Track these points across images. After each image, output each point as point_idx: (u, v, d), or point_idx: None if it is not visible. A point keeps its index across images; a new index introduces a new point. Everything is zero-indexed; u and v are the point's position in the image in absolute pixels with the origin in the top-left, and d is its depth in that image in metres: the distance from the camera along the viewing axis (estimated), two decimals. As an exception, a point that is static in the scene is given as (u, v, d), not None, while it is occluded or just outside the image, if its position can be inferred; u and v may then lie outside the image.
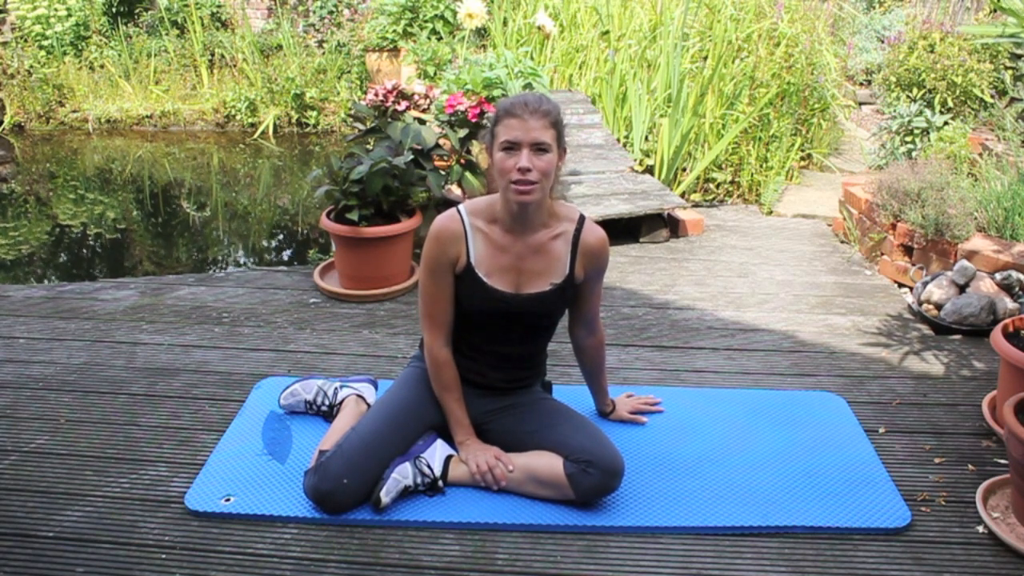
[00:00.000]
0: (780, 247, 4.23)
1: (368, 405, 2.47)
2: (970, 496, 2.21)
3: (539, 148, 2.02)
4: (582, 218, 2.22)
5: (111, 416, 2.58)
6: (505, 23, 6.02)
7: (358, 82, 7.36)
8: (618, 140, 4.98)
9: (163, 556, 1.98)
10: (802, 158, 5.46)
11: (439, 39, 6.29)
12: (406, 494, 2.15)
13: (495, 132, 2.06)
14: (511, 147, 2.02)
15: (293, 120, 7.38)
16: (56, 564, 1.96)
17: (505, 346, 2.26)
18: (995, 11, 6.06)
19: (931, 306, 3.31)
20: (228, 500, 2.15)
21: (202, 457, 2.36)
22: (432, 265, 2.16)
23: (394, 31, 6.54)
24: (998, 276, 3.24)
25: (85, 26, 7.84)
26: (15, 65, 7.37)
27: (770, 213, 4.75)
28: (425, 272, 2.18)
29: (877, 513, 2.14)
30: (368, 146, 3.81)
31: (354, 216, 3.36)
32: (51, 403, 2.65)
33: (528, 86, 4.30)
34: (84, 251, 5.05)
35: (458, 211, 2.18)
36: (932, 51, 5.18)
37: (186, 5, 7.92)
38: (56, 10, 7.64)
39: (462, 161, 3.85)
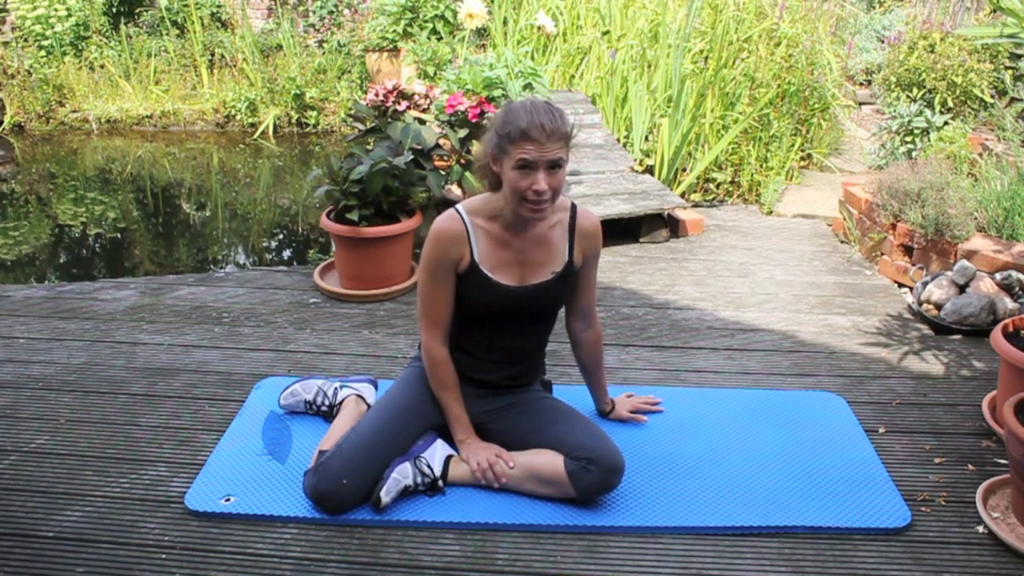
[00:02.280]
0: (780, 247, 4.23)
1: (368, 405, 2.47)
2: (970, 496, 2.21)
3: (555, 166, 2.02)
4: (574, 206, 2.25)
5: (111, 416, 2.58)
6: (505, 23, 6.02)
7: (358, 82, 7.36)
8: (618, 140, 4.98)
9: (163, 556, 1.98)
10: (802, 158, 5.46)
11: (439, 39, 6.29)
12: (406, 494, 2.15)
13: (508, 150, 2.01)
14: (527, 165, 2.00)
15: (293, 120, 7.38)
16: (56, 564, 1.96)
17: (507, 340, 2.26)
18: (995, 11, 6.06)
19: (931, 306, 3.31)
20: (228, 500, 2.15)
21: (202, 457, 2.36)
22: (433, 266, 2.16)
23: (394, 31, 6.54)
24: (998, 276, 3.24)
25: (85, 26, 7.84)
26: (15, 65, 7.38)
27: (770, 213, 4.75)
28: (425, 273, 2.18)
29: (877, 513, 2.14)
30: (368, 146, 3.81)
31: (354, 216, 3.36)
32: (51, 403, 2.65)
33: (528, 86, 4.30)
34: (84, 251, 5.05)
35: (457, 211, 2.18)
36: (932, 51, 5.18)
37: (186, 5, 7.92)
38: (56, 10, 7.64)
39: (462, 161, 3.85)
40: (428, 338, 2.22)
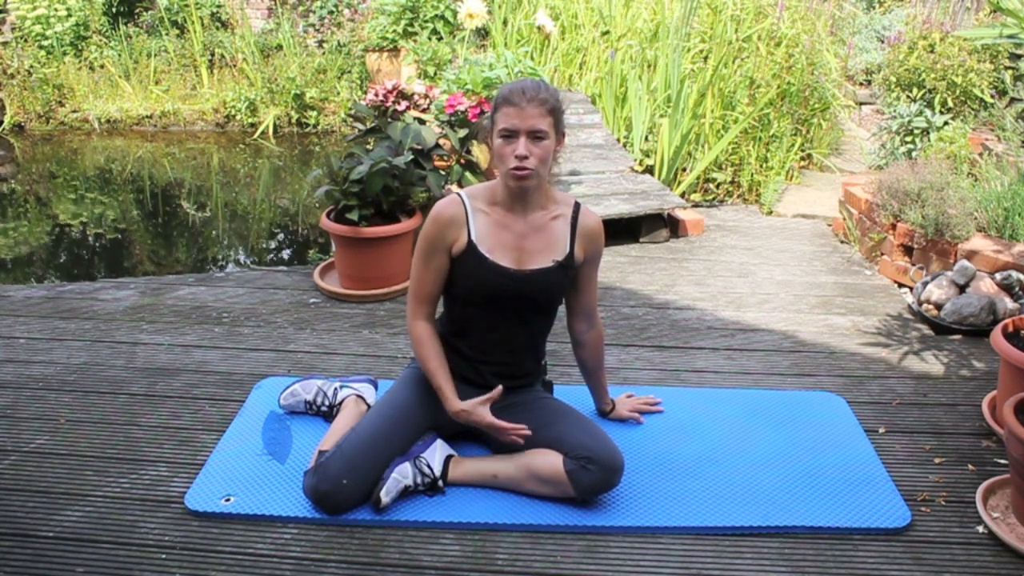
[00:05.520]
0: (780, 247, 4.23)
1: (368, 405, 2.47)
2: (970, 496, 2.21)
3: (536, 135, 2.05)
4: (578, 203, 2.26)
5: (111, 416, 2.58)
6: (505, 23, 6.02)
7: (358, 82, 7.36)
8: (618, 140, 4.98)
9: (163, 556, 1.98)
10: (802, 158, 5.46)
11: (439, 39, 6.29)
12: (406, 494, 2.16)
13: (494, 119, 2.10)
14: (509, 134, 2.06)
15: (293, 120, 7.38)
16: (56, 564, 1.96)
17: (503, 333, 2.25)
18: (995, 11, 6.06)
19: (931, 306, 3.31)
20: (228, 500, 2.15)
21: (202, 457, 2.36)
22: (427, 246, 2.19)
23: (394, 31, 6.54)
24: (998, 276, 3.24)
25: (85, 26, 7.84)
26: (15, 65, 7.37)
27: (770, 213, 4.75)
28: (419, 251, 2.21)
29: (877, 513, 2.14)
30: (368, 146, 3.81)
31: (354, 216, 3.36)
32: (51, 403, 2.65)
33: (528, 86, 4.30)
34: (84, 251, 5.05)
35: (459, 195, 2.21)
36: (932, 51, 5.18)
37: (186, 5, 7.92)
38: (56, 10, 7.64)
39: (462, 161, 3.85)
40: (412, 314, 2.24)
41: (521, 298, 2.21)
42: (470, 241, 2.16)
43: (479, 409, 2.15)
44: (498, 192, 2.18)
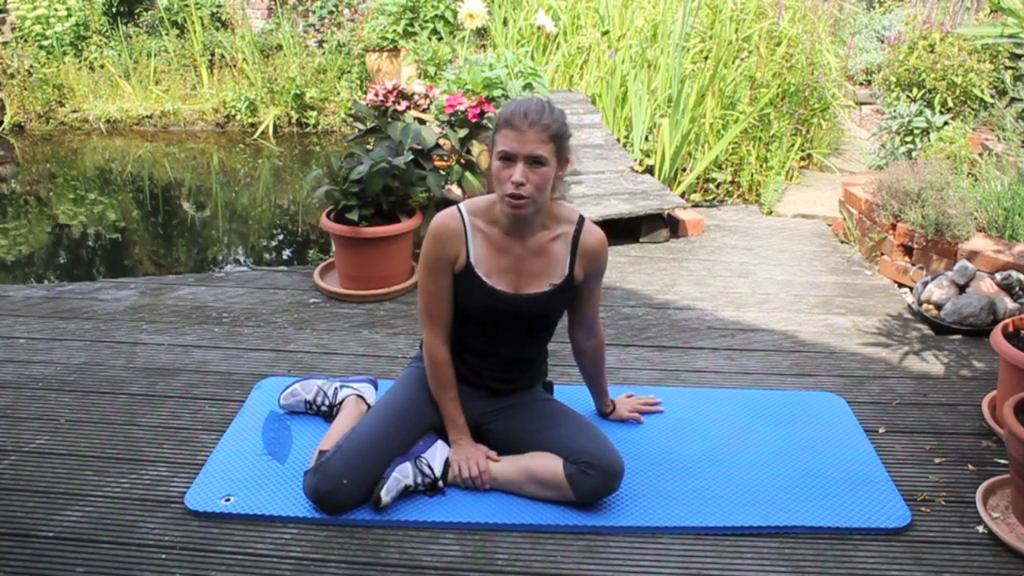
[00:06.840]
0: (780, 247, 4.23)
1: (368, 405, 2.47)
2: (970, 496, 2.21)
3: (535, 161, 2.01)
4: (581, 219, 2.22)
5: (111, 416, 2.58)
6: (505, 23, 6.02)
7: (358, 82, 7.36)
8: (618, 140, 4.98)
9: (163, 556, 1.98)
10: (802, 158, 5.46)
11: (439, 39, 6.29)
12: (406, 494, 2.15)
13: (495, 139, 2.06)
14: (507, 157, 2.02)
15: (293, 120, 7.38)
16: (56, 564, 1.96)
17: (504, 348, 2.25)
18: (995, 11, 6.06)
19: (931, 306, 3.31)
20: (228, 500, 2.15)
21: (202, 457, 2.36)
22: (431, 263, 2.16)
23: (394, 31, 6.54)
24: (998, 276, 3.24)
25: (85, 26, 7.84)
26: (15, 65, 7.37)
27: (770, 213, 4.75)
28: (424, 270, 2.18)
29: (877, 513, 2.14)
30: (368, 146, 3.81)
31: (354, 216, 3.36)
32: (51, 403, 2.65)
33: (528, 86, 4.30)
34: (84, 251, 5.05)
35: (458, 210, 2.18)
36: (932, 51, 5.18)
37: (186, 5, 7.92)
38: (56, 10, 7.64)
39: (462, 161, 3.85)
40: (429, 337, 2.22)
41: (520, 319, 2.20)
42: (468, 263, 2.15)
43: (482, 461, 2.19)
44: (498, 211, 2.15)
